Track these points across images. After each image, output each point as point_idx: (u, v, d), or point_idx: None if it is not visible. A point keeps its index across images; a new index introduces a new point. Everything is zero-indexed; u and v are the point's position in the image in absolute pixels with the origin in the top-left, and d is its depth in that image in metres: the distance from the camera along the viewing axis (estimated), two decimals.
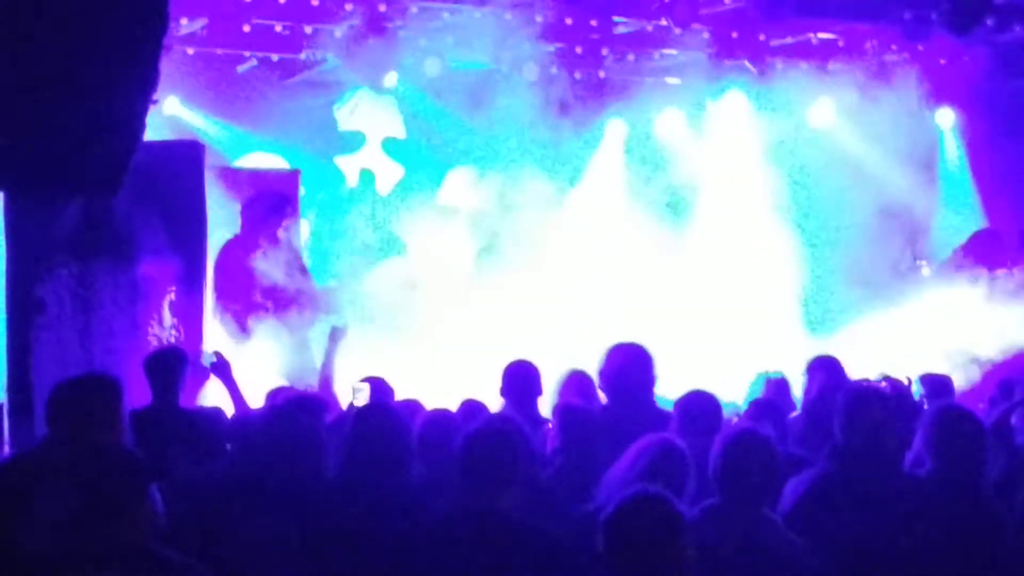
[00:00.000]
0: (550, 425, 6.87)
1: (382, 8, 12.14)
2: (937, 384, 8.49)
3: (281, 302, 10.53)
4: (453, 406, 7.38)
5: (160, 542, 4.78)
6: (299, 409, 6.49)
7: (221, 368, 8.10)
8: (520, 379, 7.60)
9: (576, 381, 7.77)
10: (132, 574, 4.56)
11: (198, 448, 6.95)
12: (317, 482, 5.88)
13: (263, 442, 5.97)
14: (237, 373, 8.13)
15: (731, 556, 4.84)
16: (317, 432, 6.15)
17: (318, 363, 10.00)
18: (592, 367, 7.57)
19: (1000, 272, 11.96)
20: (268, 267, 10.60)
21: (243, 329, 10.30)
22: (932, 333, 10.89)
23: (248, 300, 10.56)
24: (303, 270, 10.87)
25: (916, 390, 8.51)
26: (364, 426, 5.92)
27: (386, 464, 5.76)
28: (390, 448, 5.79)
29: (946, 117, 14.21)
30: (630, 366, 7.29)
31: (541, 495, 5.92)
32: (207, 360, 8.24)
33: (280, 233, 10.84)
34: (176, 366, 7.75)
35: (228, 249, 10.77)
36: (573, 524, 5.31)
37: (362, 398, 7.31)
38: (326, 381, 8.73)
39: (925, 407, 8.05)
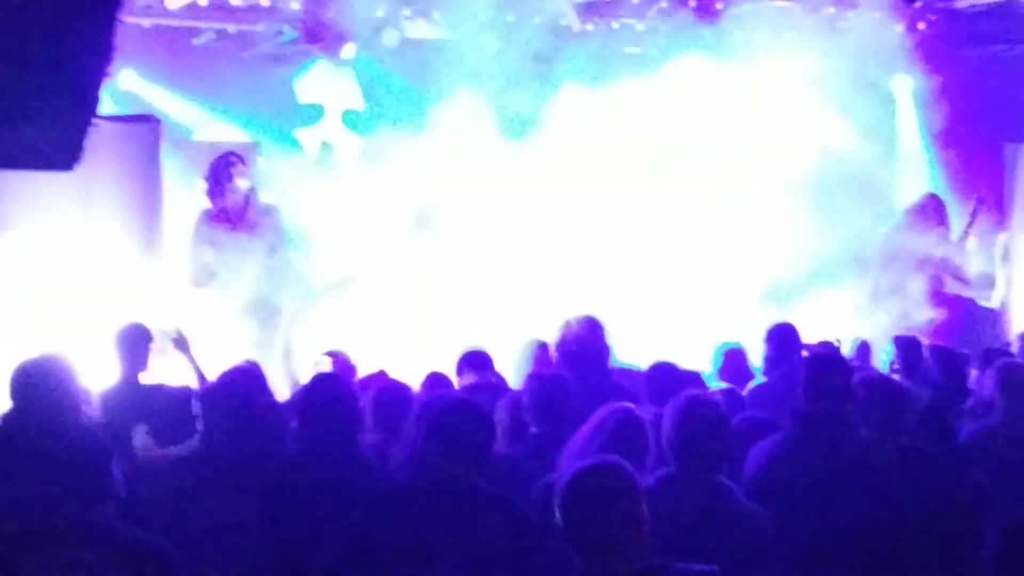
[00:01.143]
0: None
1: None
2: (908, 344, 8.56)
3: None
4: (416, 380, 7.42)
5: (125, 520, 4.77)
6: (250, 383, 6.48)
7: (181, 344, 8.09)
8: (474, 361, 7.69)
9: (542, 352, 7.83)
10: (96, 553, 4.54)
11: (164, 424, 6.93)
12: (273, 456, 5.88)
13: (218, 418, 5.97)
14: (197, 349, 8.12)
15: (687, 524, 4.87)
16: (270, 406, 6.16)
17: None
18: (550, 340, 7.62)
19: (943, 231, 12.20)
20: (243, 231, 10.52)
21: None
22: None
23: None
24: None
25: (889, 350, 8.61)
26: (312, 398, 5.93)
27: (336, 435, 5.77)
28: (338, 419, 5.79)
29: (903, 84, 14.26)
30: (585, 338, 7.34)
31: (507, 466, 5.96)
32: (168, 336, 8.21)
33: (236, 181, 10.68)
34: (141, 341, 7.74)
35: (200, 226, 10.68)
36: (537, 495, 5.34)
37: (316, 371, 7.33)
38: (288, 358, 8.75)
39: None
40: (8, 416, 5.98)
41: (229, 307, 9.97)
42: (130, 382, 7.55)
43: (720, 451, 5.24)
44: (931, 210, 12.44)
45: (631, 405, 5.75)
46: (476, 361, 7.72)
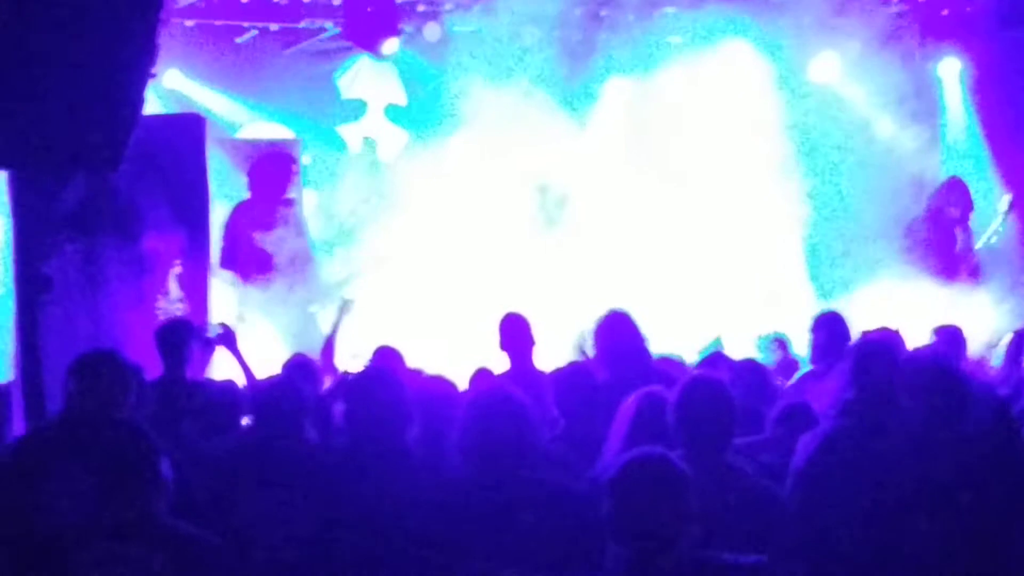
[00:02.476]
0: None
1: None
2: (950, 336, 8.45)
3: (286, 268, 10.52)
4: (464, 372, 7.44)
5: (172, 514, 4.80)
6: (301, 377, 6.51)
7: (227, 339, 8.12)
8: (513, 332, 7.75)
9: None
10: (146, 547, 4.58)
11: (209, 420, 6.98)
12: (320, 449, 5.90)
13: (268, 411, 6.00)
14: (242, 344, 8.16)
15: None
16: (319, 399, 6.18)
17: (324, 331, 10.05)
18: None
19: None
20: (277, 232, 10.61)
21: (248, 293, 10.31)
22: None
23: (254, 267, 10.56)
24: (306, 240, 10.88)
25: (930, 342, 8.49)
26: (359, 392, 5.93)
27: (382, 429, 5.77)
28: (385, 412, 5.79)
29: (949, 68, 14.11)
30: (617, 330, 7.34)
31: (546, 459, 5.95)
32: (213, 332, 8.26)
33: (289, 196, 10.84)
34: (185, 338, 7.78)
35: (236, 214, 10.77)
36: (582, 488, 5.33)
37: (358, 365, 7.35)
38: (328, 351, 8.76)
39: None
40: (62, 414, 6.03)
41: (267, 299, 10.04)
42: (174, 378, 7.59)
43: (723, 432, 5.19)
44: (952, 194, 12.34)
45: (656, 388, 5.72)
46: (516, 340, 7.79)
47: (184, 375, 7.65)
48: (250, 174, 10.77)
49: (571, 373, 6.73)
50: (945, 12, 13.71)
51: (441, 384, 6.77)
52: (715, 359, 7.90)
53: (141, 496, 4.74)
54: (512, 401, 5.23)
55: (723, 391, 5.31)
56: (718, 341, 8.92)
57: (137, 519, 4.63)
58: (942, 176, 13.34)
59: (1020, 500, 5.51)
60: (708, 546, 4.17)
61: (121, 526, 4.60)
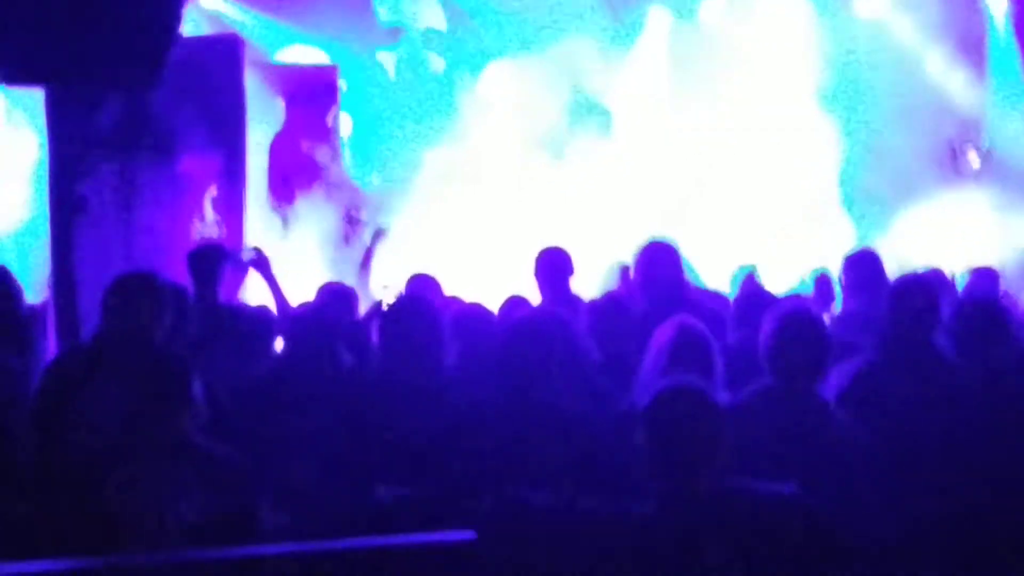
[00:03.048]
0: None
1: None
2: (984, 277, 8.39)
3: (323, 194, 10.53)
4: (497, 302, 7.41)
5: (205, 436, 4.81)
6: (336, 302, 6.50)
7: (261, 264, 8.10)
8: (551, 263, 7.65)
9: (623, 274, 7.80)
10: (178, 466, 4.58)
11: (240, 344, 6.97)
12: (353, 374, 5.90)
13: (303, 336, 6.00)
14: (277, 269, 8.14)
15: (785, 436, 4.81)
16: (354, 325, 6.17)
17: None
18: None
19: None
20: (316, 158, 10.60)
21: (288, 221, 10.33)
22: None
23: (295, 192, 10.58)
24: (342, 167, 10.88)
25: (961, 282, 8.44)
26: (395, 318, 5.93)
27: (418, 354, 5.76)
28: (421, 338, 5.78)
29: (997, 2, 13.89)
30: (658, 260, 7.28)
31: (585, 384, 5.94)
32: (247, 256, 8.24)
33: (328, 122, 10.82)
34: (217, 261, 7.76)
35: (276, 143, 10.76)
36: (615, 417, 5.32)
37: (391, 294, 7.34)
38: (364, 276, 8.75)
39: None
40: (97, 333, 6.03)
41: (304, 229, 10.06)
42: (205, 302, 7.58)
43: (819, 363, 5.18)
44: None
45: (691, 319, 5.69)
46: (552, 271, 7.68)
47: (215, 299, 7.64)
48: (289, 101, 10.72)
49: (607, 303, 6.69)
50: None
51: (477, 310, 6.76)
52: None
53: (172, 417, 4.75)
54: (546, 327, 5.22)
55: (818, 324, 5.29)
56: (749, 268, 8.81)
57: (168, 439, 4.63)
58: (988, 110, 13.21)
59: None
60: (788, 476, 4.15)
61: (152, 445, 4.61)
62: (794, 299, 6.95)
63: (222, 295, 7.71)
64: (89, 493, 4.52)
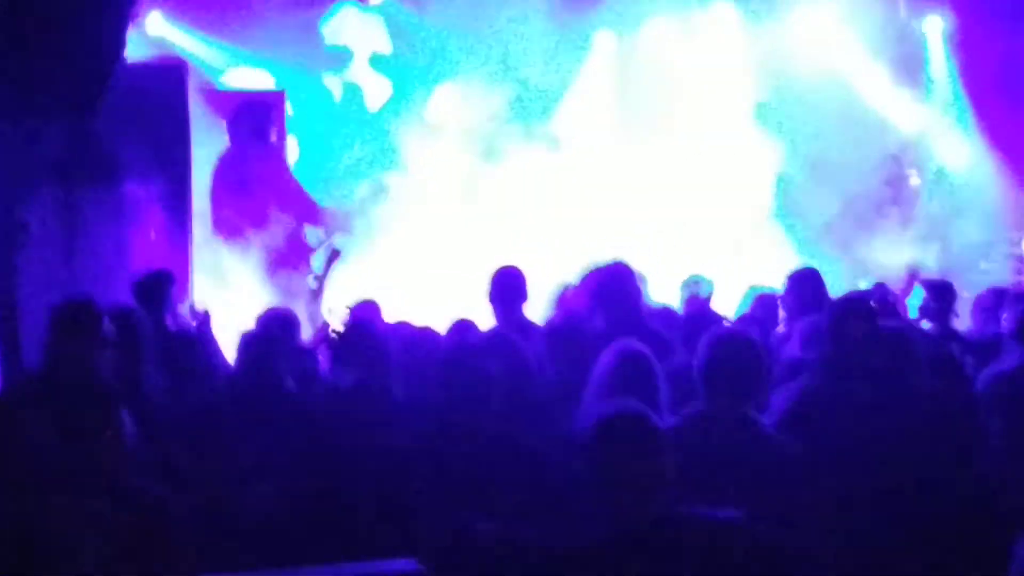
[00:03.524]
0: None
1: None
2: (939, 288, 8.44)
3: (270, 217, 10.48)
4: (444, 326, 7.41)
5: (137, 467, 4.76)
6: (279, 328, 6.50)
7: (204, 325, 8.05)
8: (506, 284, 7.62)
9: (569, 295, 7.81)
10: (105, 502, 4.52)
11: (181, 369, 6.95)
12: (298, 400, 5.90)
13: (246, 362, 5.99)
14: (217, 324, 8.10)
15: (716, 460, 4.84)
16: (299, 351, 6.17)
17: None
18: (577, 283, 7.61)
19: None
20: (261, 181, 10.56)
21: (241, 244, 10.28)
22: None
23: (241, 217, 10.52)
24: (294, 186, 10.83)
25: (917, 294, 8.49)
26: (344, 344, 5.94)
27: (366, 381, 5.78)
28: (370, 364, 5.80)
29: (933, 25, 14.07)
30: (616, 284, 7.29)
31: (531, 410, 5.95)
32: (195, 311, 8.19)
33: (270, 142, 10.79)
34: (164, 287, 7.74)
35: (219, 166, 10.71)
36: (559, 441, 5.34)
37: (337, 318, 7.35)
38: (315, 302, 8.76)
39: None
40: (43, 358, 6.00)
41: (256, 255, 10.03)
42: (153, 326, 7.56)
43: (750, 387, 5.19)
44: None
45: (636, 344, 5.71)
46: (506, 293, 7.65)
47: (163, 324, 7.62)
48: (230, 125, 10.69)
49: (564, 325, 6.67)
50: None
51: (424, 334, 6.77)
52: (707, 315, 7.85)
53: (95, 447, 4.69)
54: (493, 353, 5.24)
55: (752, 347, 5.29)
56: (696, 278, 8.84)
57: (96, 473, 4.58)
58: (925, 131, 13.39)
59: (966, 455, 5.56)
60: (721, 498, 4.16)
61: (81, 479, 4.55)
62: (735, 322, 6.99)
63: (170, 321, 7.70)
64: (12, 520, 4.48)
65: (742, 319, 7.84)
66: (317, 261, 10.32)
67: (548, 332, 6.73)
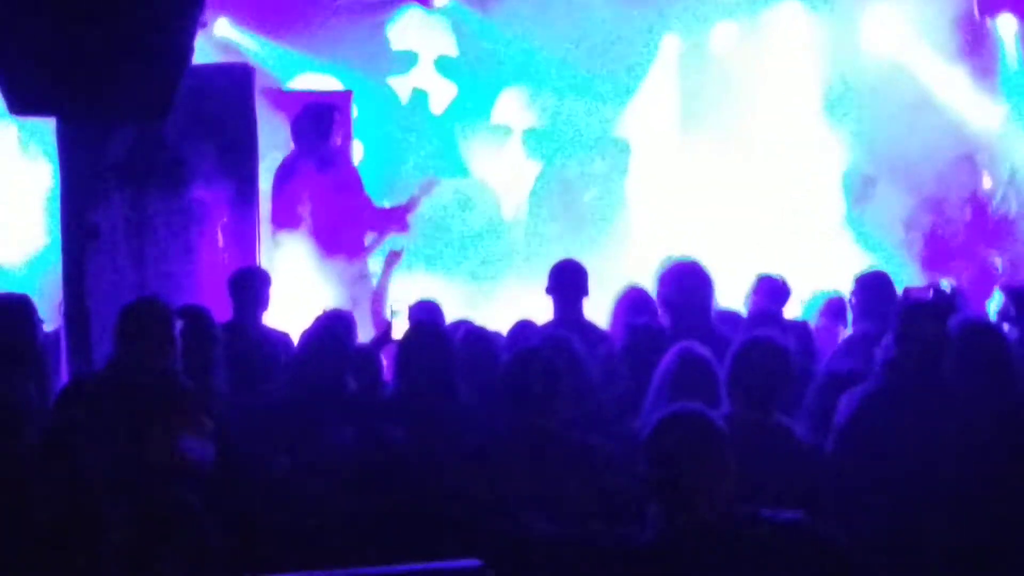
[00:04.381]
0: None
1: None
2: (1020, 293, 8.28)
3: (337, 220, 10.48)
4: (504, 327, 7.41)
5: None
6: (338, 329, 6.52)
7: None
8: (567, 277, 7.61)
9: (633, 297, 7.78)
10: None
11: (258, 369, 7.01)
12: (360, 402, 5.90)
13: (308, 364, 6.01)
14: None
15: (741, 465, 4.80)
16: (360, 352, 6.18)
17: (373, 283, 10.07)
18: (649, 284, 7.57)
19: None
20: (325, 182, 10.56)
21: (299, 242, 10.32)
22: None
23: (305, 219, 10.53)
24: (360, 188, 10.82)
25: (996, 298, 8.34)
26: (412, 345, 5.93)
27: (434, 385, 5.77)
28: (437, 369, 5.80)
29: (1008, 25, 13.87)
30: (687, 283, 7.26)
31: (595, 412, 5.93)
32: None
33: (335, 143, 10.80)
34: (260, 286, 7.90)
35: (282, 168, 10.74)
36: (623, 442, 5.32)
37: (400, 319, 7.36)
38: (378, 303, 8.76)
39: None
40: (111, 358, 6.07)
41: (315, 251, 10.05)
42: (243, 323, 7.66)
43: (775, 392, 5.20)
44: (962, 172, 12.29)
45: (697, 346, 5.69)
46: (566, 287, 7.62)
47: (257, 324, 7.75)
48: (293, 125, 10.73)
49: (645, 330, 6.62)
50: None
51: (486, 335, 6.77)
52: (770, 317, 7.76)
53: (155, 448, 4.73)
54: (549, 359, 5.22)
55: (780, 352, 5.30)
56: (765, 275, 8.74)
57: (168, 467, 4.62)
58: (999, 132, 13.19)
59: None
60: (751, 503, 4.14)
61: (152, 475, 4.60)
62: (761, 325, 6.90)
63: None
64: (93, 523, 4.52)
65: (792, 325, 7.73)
66: (376, 263, 10.33)
67: (630, 333, 6.70)
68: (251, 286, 8.00)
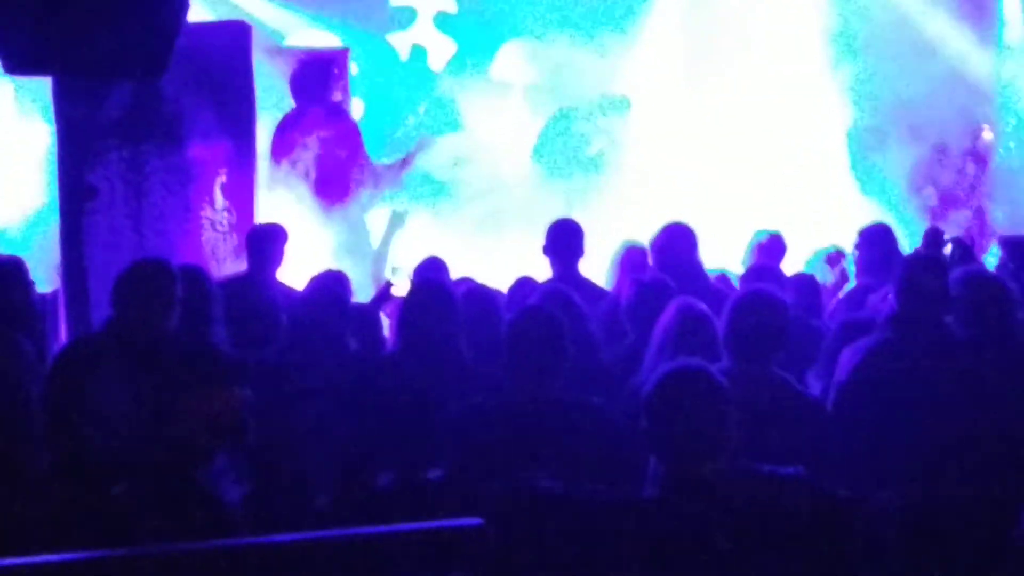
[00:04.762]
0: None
1: None
2: (1017, 245, 8.27)
3: (340, 176, 10.43)
4: (507, 284, 7.38)
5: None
6: (335, 288, 6.49)
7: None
8: (563, 237, 7.59)
9: (632, 255, 7.77)
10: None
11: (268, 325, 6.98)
12: (364, 359, 5.87)
13: (309, 322, 5.98)
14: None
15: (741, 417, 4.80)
16: (360, 310, 6.15)
17: (375, 244, 10.03)
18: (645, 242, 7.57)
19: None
20: (323, 138, 10.50)
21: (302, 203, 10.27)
22: None
23: (305, 174, 10.48)
24: (359, 143, 10.76)
25: (995, 251, 8.35)
26: (415, 303, 5.89)
27: (438, 344, 5.74)
28: (440, 327, 5.76)
29: None
30: (678, 243, 7.27)
31: (596, 369, 5.91)
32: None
33: (335, 100, 10.75)
34: (277, 241, 7.88)
35: (283, 123, 10.68)
36: (623, 400, 5.31)
37: (401, 277, 7.32)
38: (379, 263, 8.73)
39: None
40: (110, 318, 6.03)
41: (314, 213, 10.00)
42: (258, 279, 7.67)
43: (772, 344, 5.21)
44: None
45: (695, 302, 5.68)
46: (562, 246, 7.60)
47: (272, 279, 7.74)
48: (292, 82, 10.67)
49: (652, 286, 6.59)
50: None
51: (486, 293, 6.74)
52: (767, 271, 7.75)
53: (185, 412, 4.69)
54: (552, 319, 5.18)
55: (776, 305, 5.29)
56: (762, 233, 8.71)
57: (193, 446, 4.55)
58: (996, 79, 13.14)
59: None
60: (751, 456, 4.14)
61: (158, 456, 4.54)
62: (759, 280, 6.88)
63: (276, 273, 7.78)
64: (100, 487, 4.49)
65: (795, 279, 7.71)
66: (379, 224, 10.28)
67: (625, 293, 6.68)
68: (269, 242, 7.96)
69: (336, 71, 10.82)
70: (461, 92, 12.83)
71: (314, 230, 9.81)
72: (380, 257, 9.25)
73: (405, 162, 10.35)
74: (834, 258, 8.30)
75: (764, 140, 12.17)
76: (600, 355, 6.19)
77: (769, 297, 5.37)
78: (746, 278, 7.49)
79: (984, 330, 5.70)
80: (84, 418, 5.42)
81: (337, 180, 10.29)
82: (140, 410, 5.27)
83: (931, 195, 12.16)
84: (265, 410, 5.58)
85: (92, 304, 7.92)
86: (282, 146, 10.45)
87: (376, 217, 10.52)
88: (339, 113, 10.86)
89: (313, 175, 10.30)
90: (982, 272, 6.23)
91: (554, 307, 5.52)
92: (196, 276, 6.38)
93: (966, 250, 8.43)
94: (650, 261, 7.54)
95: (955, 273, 5.92)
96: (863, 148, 12.41)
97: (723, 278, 7.85)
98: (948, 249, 8.69)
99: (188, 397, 4.66)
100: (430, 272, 7.49)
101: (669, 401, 4.01)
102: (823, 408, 5.33)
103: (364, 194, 10.46)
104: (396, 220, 9.56)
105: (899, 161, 12.42)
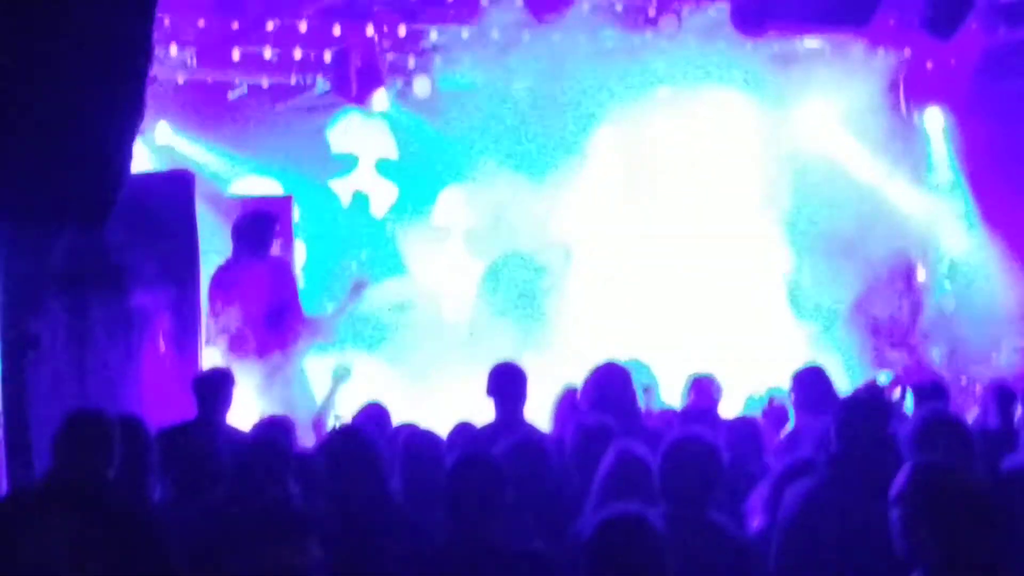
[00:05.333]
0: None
1: (370, 31, 12.19)
2: (928, 388, 8.38)
3: (273, 328, 10.42)
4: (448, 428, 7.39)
5: None
6: (277, 434, 6.50)
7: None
8: (506, 380, 7.60)
9: (573, 398, 7.79)
10: None
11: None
12: (304, 505, 5.87)
13: (248, 469, 5.98)
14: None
15: (678, 563, 4.82)
16: (300, 457, 6.17)
17: (314, 395, 10.01)
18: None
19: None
20: (262, 288, 10.54)
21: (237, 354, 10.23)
22: None
23: (240, 325, 10.46)
24: (295, 295, 10.82)
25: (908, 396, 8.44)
26: (333, 450, 5.92)
27: (359, 486, 5.74)
28: (360, 469, 5.77)
29: (934, 119, 14.19)
30: (608, 384, 7.33)
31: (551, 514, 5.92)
32: None
33: (273, 252, 10.82)
34: (224, 386, 7.85)
35: (219, 273, 10.71)
36: (565, 544, 5.32)
37: (341, 425, 7.34)
38: (320, 419, 8.76)
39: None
40: (49, 470, 6.00)
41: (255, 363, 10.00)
42: (207, 424, 7.63)
43: (705, 488, 5.26)
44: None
45: (631, 444, 5.73)
46: (506, 389, 7.61)
47: (222, 423, 7.70)
48: (232, 232, 10.74)
49: (596, 430, 6.61)
50: (929, 65, 13.82)
51: (427, 437, 6.75)
52: (703, 414, 7.84)
53: (122, 559, 4.68)
54: (491, 466, 5.21)
55: (709, 450, 5.33)
56: (697, 376, 8.79)
57: None
58: (927, 222, 13.45)
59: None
60: None
61: None
62: (695, 424, 6.94)
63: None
64: None
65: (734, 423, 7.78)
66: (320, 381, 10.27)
67: (568, 436, 6.71)
68: (218, 387, 7.90)
69: (277, 225, 10.90)
70: (403, 237, 12.97)
71: (251, 380, 9.78)
72: (324, 410, 9.25)
73: (341, 309, 10.38)
74: (775, 410, 8.38)
75: (704, 278, 12.31)
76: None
77: (700, 441, 5.41)
78: (680, 421, 7.56)
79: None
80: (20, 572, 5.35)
81: (271, 332, 10.30)
82: (81, 565, 5.21)
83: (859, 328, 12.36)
84: (205, 555, 5.58)
85: (34, 453, 7.87)
86: (215, 297, 10.48)
87: (318, 369, 10.50)
88: (277, 266, 10.92)
89: (235, 328, 10.29)
90: (936, 414, 6.28)
91: (525, 462, 5.57)
92: (133, 426, 6.39)
93: (935, 387, 8.42)
94: (579, 397, 7.57)
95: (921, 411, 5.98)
96: (800, 284, 12.59)
97: (668, 414, 7.91)
98: (896, 393, 8.79)
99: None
100: (364, 419, 7.50)
101: (605, 548, 4.04)
102: (759, 552, 5.34)
103: (300, 345, 10.45)
104: (341, 374, 9.55)
105: (836, 297, 12.62)
